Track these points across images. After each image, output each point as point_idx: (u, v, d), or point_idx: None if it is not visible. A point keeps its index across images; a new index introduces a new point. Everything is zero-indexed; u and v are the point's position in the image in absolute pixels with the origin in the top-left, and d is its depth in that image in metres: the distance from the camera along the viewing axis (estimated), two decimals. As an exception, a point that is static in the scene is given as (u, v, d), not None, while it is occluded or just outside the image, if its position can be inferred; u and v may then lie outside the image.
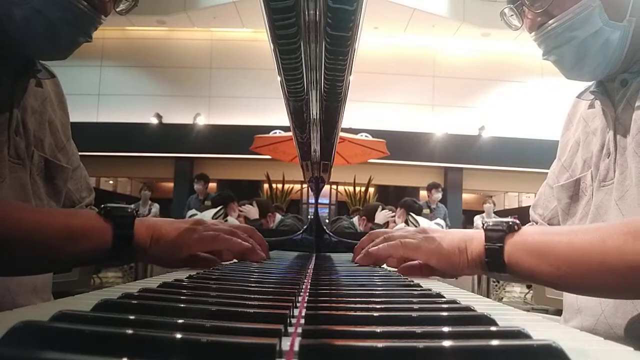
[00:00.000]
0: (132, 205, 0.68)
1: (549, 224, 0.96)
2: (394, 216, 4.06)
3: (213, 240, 0.71)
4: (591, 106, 0.87)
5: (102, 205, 0.65)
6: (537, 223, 0.99)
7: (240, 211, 3.97)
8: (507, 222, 0.64)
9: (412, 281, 0.59)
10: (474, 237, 0.68)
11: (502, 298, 4.67)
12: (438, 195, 5.70)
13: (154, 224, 0.69)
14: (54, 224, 0.61)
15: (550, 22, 0.76)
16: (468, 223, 8.31)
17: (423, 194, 8.52)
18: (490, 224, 0.66)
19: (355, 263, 0.84)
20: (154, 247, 0.67)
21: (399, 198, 4.42)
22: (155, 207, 6.21)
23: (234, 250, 0.76)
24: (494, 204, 6.70)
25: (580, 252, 0.55)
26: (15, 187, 0.74)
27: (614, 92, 0.80)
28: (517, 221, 0.64)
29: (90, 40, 0.76)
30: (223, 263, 0.76)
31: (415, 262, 0.74)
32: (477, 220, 6.29)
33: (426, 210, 5.41)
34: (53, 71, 0.86)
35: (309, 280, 0.57)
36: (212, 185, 7.54)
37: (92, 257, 0.64)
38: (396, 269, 0.77)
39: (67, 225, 0.61)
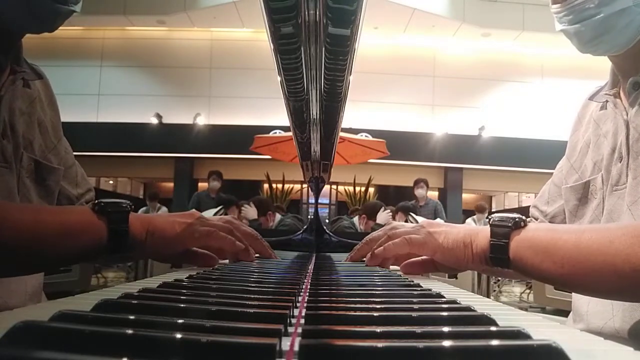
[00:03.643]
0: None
1: (550, 222, 0.95)
2: (393, 217, 4.06)
3: (208, 236, 0.71)
4: (603, 108, 0.86)
5: (96, 201, 0.64)
6: (537, 220, 0.99)
7: (240, 212, 3.98)
8: (514, 218, 0.63)
9: (412, 281, 0.59)
10: (479, 232, 0.68)
11: (491, 292, 4.63)
12: (421, 192, 5.43)
13: (148, 217, 0.69)
14: (48, 222, 0.60)
15: None
16: (468, 223, 8.31)
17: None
18: (497, 219, 0.65)
19: (349, 261, 0.84)
20: (149, 241, 0.67)
21: (399, 198, 4.42)
22: (163, 210, 6.35)
23: (228, 249, 0.76)
24: (487, 212, 6.58)
25: (587, 252, 0.55)
26: (1, 190, 0.73)
27: (626, 96, 0.79)
28: (524, 217, 0.64)
29: (76, 11, 0.73)
30: (221, 261, 0.76)
31: (418, 258, 0.75)
32: (470, 223, 6.26)
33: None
34: (42, 71, 0.85)
35: (309, 280, 0.57)
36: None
37: (88, 254, 0.63)
38: (398, 267, 0.78)
39: (62, 223, 0.61)
